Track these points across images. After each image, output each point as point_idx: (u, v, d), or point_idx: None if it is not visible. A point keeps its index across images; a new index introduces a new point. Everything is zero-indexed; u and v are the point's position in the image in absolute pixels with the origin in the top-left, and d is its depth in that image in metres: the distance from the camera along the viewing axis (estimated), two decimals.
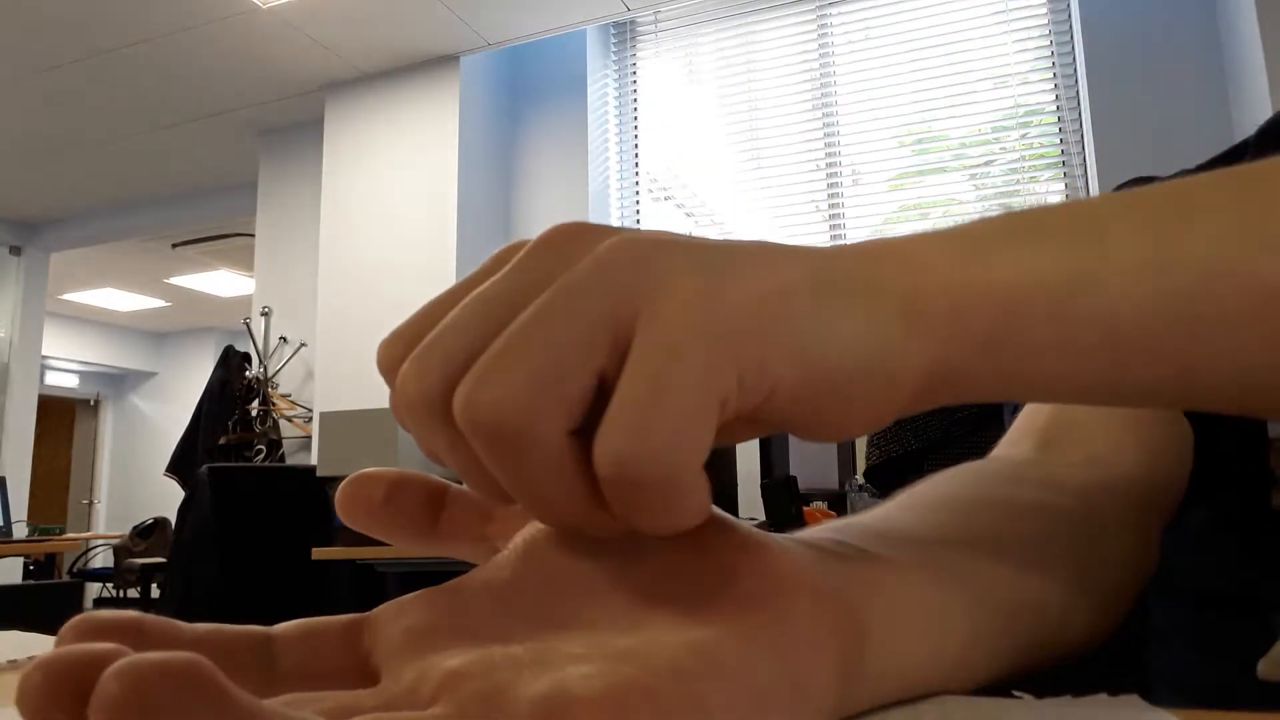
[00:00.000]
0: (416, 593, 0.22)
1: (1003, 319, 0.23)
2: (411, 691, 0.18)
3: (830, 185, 3.47)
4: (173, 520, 2.90)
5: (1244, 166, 0.27)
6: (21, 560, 5.25)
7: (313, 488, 2.63)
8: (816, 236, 3.47)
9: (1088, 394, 0.26)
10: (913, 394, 0.23)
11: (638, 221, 3.75)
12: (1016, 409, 0.48)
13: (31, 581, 5.38)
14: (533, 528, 0.23)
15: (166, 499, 4.95)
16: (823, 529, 0.26)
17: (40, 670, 0.14)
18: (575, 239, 0.21)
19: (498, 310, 0.20)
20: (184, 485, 3.76)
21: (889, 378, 0.22)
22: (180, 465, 4.25)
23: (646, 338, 0.19)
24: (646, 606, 0.20)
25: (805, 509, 1.89)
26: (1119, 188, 0.58)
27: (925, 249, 0.24)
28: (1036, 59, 3.22)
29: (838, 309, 0.22)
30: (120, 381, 8.94)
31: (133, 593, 5.51)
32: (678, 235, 0.22)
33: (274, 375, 4.00)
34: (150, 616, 0.18)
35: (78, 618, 0.17)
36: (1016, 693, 0.24)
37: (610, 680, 0.16)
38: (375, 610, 0.21)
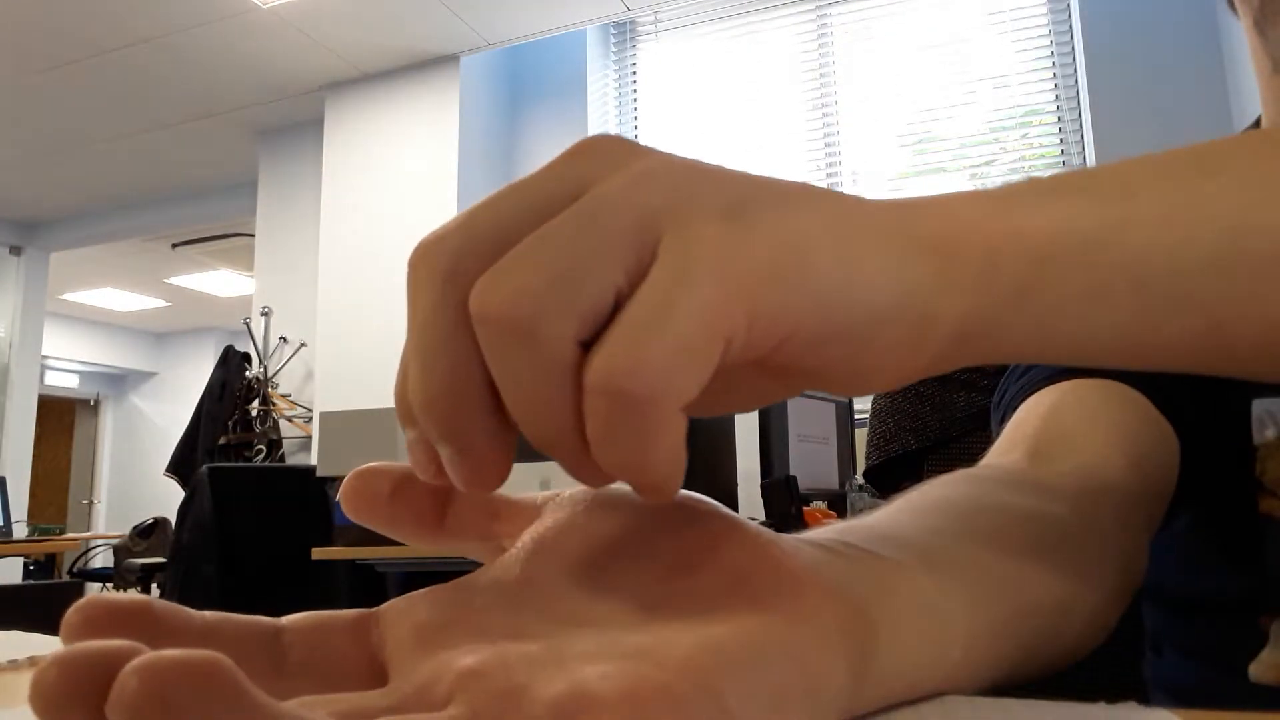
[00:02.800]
0: (425, 589, 0.22)
1: (1035, 267, 0.23)
2: (424, 690, 0.18)
3: (830, 185, 3.47)
4: (173, 520, 2.90)
5: (1258, 130, 0.27)
6: (21, 560, 5.25)
7: (313, 488, 2.63)
8: None
9: (1118, 348, 0.26)
10: (944, 345, 0.23)
11: None
12: (1004, 418, 0.48)
13: (31, 581, 5.38)
14: (541, 525, 0.23)
15: (166, 499, 4.95)
16: (826, 530, 0.26)
17: (56, 667, 0.14)
18: (613, 152, 0.22)
19: (528, 214, 0.20)
20: (184, 485, 3.76)
21: (918, 322, 0.22)
22: (180, 465, 4.25)
23: (664, 262, 0.19)
24: (658, 605, 0.20)
25: (805, 509, 1.89)
26: None
27: (957, 203, 0.24)
28: (1036, 59, 3.22)
29: (864, 250, 0.22)
30: (120, 381, 8.94)
31: (133, 593, 5.51)
32: (714, 165, 0.22)
33: (274, 375, 4.00)
34: (160, 602, 0.18)
35: (85, 600, 0.17)
36: (1016, 697, 0.24)
37: (628, 680, 0.16)
38: (384, 605, 0.21)
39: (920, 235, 0.23)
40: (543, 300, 0.19)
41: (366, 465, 0.24)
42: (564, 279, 0.19)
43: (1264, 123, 0.51)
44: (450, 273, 0.20)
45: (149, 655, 0.13)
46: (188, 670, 0.13)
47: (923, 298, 0.22)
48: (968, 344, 0.24)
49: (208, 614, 0.19)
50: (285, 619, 0.20)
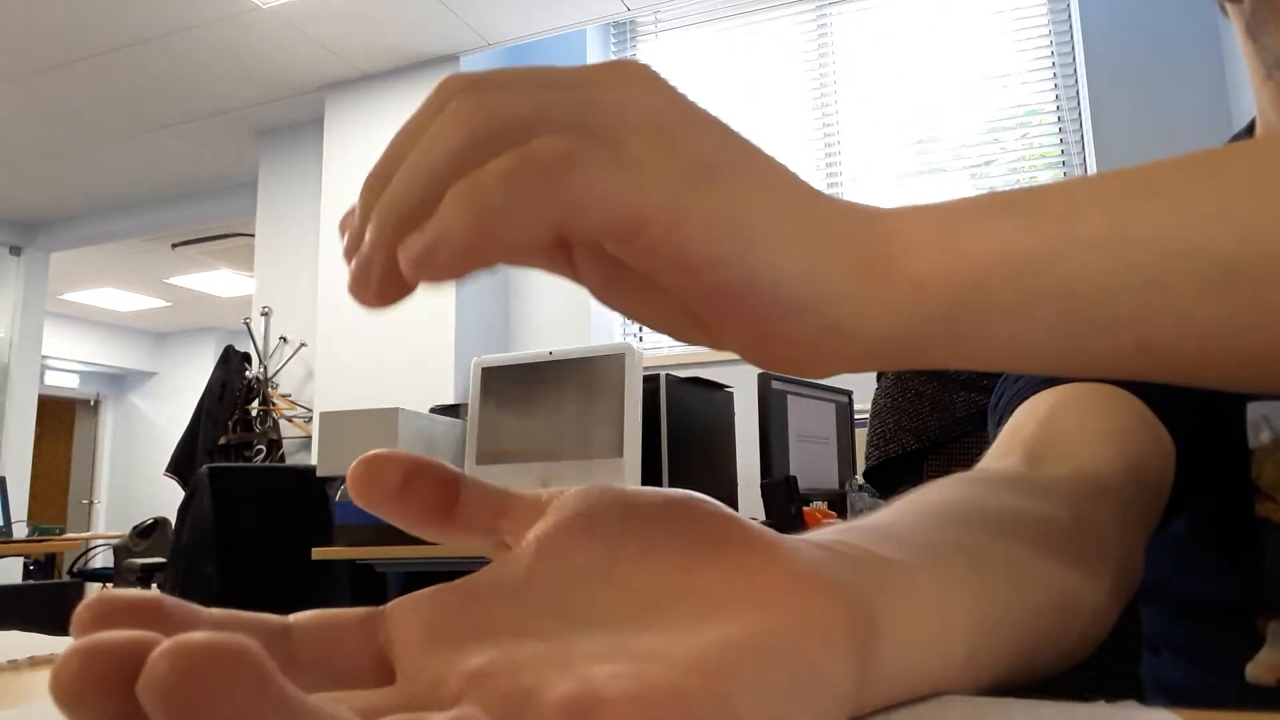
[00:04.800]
0: (432, 588, 0.22)
1: (964, 292, 0.24)
2: (433, 690, 0.18)
3: (830, 185, 3.46)
4: (173, 520, 2.90)
5: (1208, 150, 0.27)
6: (21, 560, 5.25)
7: (313, 488, 2.63)
8: None
9: (1047, 364, 0.27)
10: (860, 353, 0.24)
11: None
12: (1001, 420, 0.48)
13: (31, 581, 5.38)
14: (545, 524, 0.23)
15: (166, 499, 4.95)
16: (827, 531, 0.27)
17: (77, 657, 0.14)
18: (641, 78, 0.24)
19: (555, 108, 0.23)
20: (184, 485, 3.76)
21: (826, 328, 0.23)
22: (180, 465, 4.25)
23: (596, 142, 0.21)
24: (663, 604, 0.21)
25: (805, 509, 1.89)
26: None
27: (904, 220, 0.25)
28: (1036, 59, 3.22)
29: (791, 242, 0.23)
30: (120, 381, 8.94)
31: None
32: (708, 120, 0.24)
33: (274, 375, 4.01)
34: (169, 598, 0.18)
35: (96, 596, 0.17)
36: (1016, 697, 0.24)
37: (638, 680, 0.16)
38: (391, 604, 0.21)
39: (853, 251, 0.24)
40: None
41: (377, 452, 0.24)
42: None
43: (1259, 126, 0.51)
44: (482, 128, 0.22)
45: (180, 637, 0.13)
46: (219, 654, 0.13)
47: (834, 310, 0.23)
48: (898, 356, 0.25)
49: (215, 610, 0.19)
50: (293, 616, 0.20)
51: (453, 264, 0.21)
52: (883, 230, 0.25)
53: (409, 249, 0.21)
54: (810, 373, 0.25)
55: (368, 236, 0.22)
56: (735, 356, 0.26)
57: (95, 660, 0.14)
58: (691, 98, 0.24)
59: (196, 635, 0.13)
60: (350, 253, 0.23)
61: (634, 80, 0.23)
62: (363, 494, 0.24)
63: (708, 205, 0.22)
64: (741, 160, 0.23)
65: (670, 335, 0.26)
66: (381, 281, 0.22)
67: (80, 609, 0.17)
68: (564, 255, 0.25)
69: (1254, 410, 0.46)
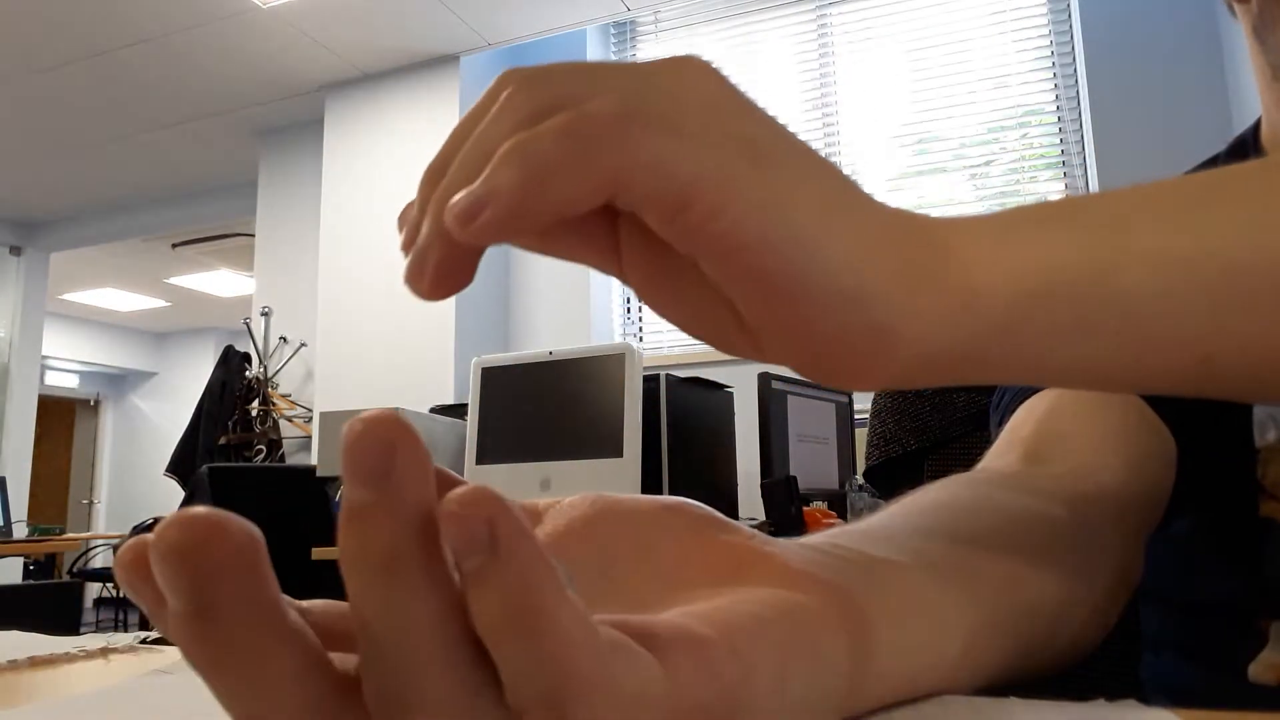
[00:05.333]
0: None
1: (1022, 303, 0.23)
2: None
3: None
4: None
5: (1260, 160, 0.27)
6: (21, 560, 5.25)
7: (313, 488, 2.63)
8: None
9: (1106, 379, 0.26)
10: (912, 365, 0.23)
11: None
12: (1003, 420, 0.48)
13: (31, 581, 5.38)
14: (541, 532, 0.23)
15: (166, 499, 4.96)
16: (821, 535, 0.27)
17: (131, 547, 0.15)
18: (701, 72, 0.23)
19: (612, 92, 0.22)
20: (184, 485, 3.76)
21: (873, 331, 0.23)
22: (180, 465, 4.25)
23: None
24: (659, 601, 0.21)
25: (805, 509, 1.89)
26: None
27: (952, 231, 0.24)
28: (1036, 59, 3.22)
29: (841, 234, 0.22)
30: (120, 381, 8.94)
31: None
32: (761, 114, 0.24)
33: (274, 375, 4.00)
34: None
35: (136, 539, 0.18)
36: (1015, 697, 0.24)
37: (645, 622, 0.17)
38: None
39: (905, 253, 0.23)
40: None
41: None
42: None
43: (1264, 127, 0.51)
44: (536, 110, 0.21)
45: (188, 510, 0.14)
46: (220, 524, 0.14)
47: (882, 309, 0.22)
48: (953, 369, 0.24)
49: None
50: (309, 603, 0.20)
51: (501, 222, 0.20)
52: (935, 238, 0.24)
53: (455, 206, 0.20)
54: (859, 382, 0.24)
55: (424, 225, 0.22)
56: (736, 356, 0.25)
57: (140, 547, 0.15)
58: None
59: (201, 509, 0.14)
60: (408, 245, 0.23)
61: (689, 68, 0.23)
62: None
63: (760, 185, 0.21)
64: (793, 149, 0.23)
65: (711, 341, 0.25)
66: (437, 269, 0.22)
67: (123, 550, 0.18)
68: (610, 248, 0.25)
69: (1260, 410, 0.46)
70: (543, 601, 0.14)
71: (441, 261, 0.22)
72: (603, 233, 0.24)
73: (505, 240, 0.21)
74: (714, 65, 0.23)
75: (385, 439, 0.14)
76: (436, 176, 0.23)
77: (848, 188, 0.23)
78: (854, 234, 0.22)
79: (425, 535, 0.15)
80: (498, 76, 0.23)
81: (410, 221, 0.23)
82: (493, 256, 3.67)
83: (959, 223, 0.25)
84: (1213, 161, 0.53)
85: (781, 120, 0.24)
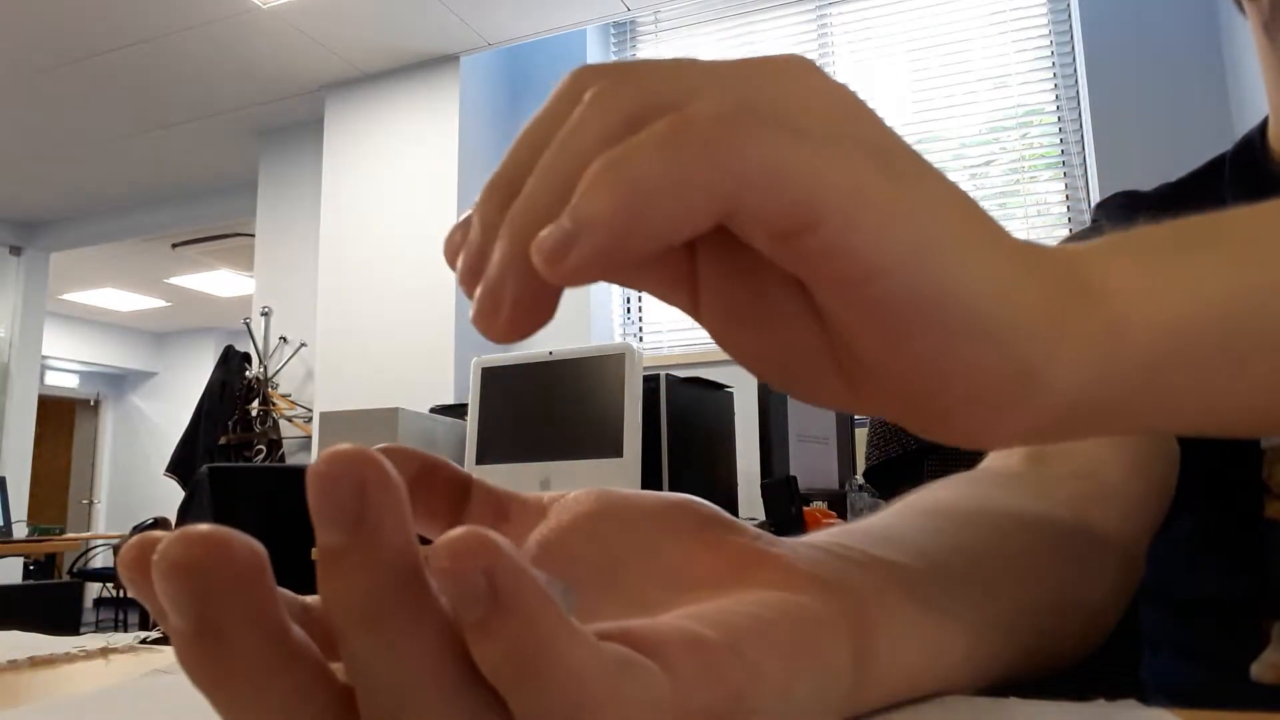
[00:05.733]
0: None
1: (1170, 339, 0.21)
2: None
3: None
4: (173, 520, 2.90)
5: None
6: (21, 560, 5.25)
7: None
8: None
9: (1250, 423, 0.23)
10: (1057, 414, 0.21)
11: None
12: None
13: (31, 581, 5.38)
14: (545, 528, 0.23)
15: (166, 499, 4.95)
16: (825, 534, 0.27)
17: (134, 545, 0.15)
18: (806, 71, 0.20)
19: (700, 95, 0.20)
20: (184, 485, 3.76)
21: (1023, 371, 0.19)
22: (180, 465, 4.25)
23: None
24: (663, 600, 0.21)
25: (805, 509, 1.89)
26: (1099, 206, 0.58)
27: (1087, 258, 0.22)
28: (1036, 59, 3.22)
29: (982, 252, 0.19)
30: (120, 381, 8.94)
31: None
32: (879, 119, 0.21)
33: (274, 375, 4.00)
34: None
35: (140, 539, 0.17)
36: (1015, 697, 0.24)
37: (650, 625, 0.17)
38: None
39: (1044, 285, 0.20)
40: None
41: (391, 445, 0.23)
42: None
43: (1273, 125, 0.51)
44: (629, 117, 0.18)
45: (191, 528, 0.14)
46: (221, 542, 0.14)
47: (1026, 346, 0.19)
48: (1088, 419, 0.21)
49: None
50: (313, 598, 0.20)
51: (596, 258, 0.17)
52: (1075, 267, 0.21)
53: (543, 246, 0.17)
54: (984, 437, 0.21)
55: (497, 254, 0.18)
56: (829, 407, 0.23)
57: (144, 545, 0.15)
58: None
59: (204, 527, 0.14)
60: (471, 277, 0.19)
61: (796, 65, 0.20)
62: None
63: (894, 197, 0.18)
64: (923, 162, 0.20)
65: (801, 391, 0.22)
66: (516, 307, 0.18)
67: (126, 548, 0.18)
68: (684, 279, 0.21)
69: None
70: (551, 642, 0.13)
71: (521, 299, 0.18)
72: (676, 260, 0.21)
73: (602, 279, 0.18)
74: (818, 66, 0.21)
75: (355, 479, 0.13)
76: (503, 195, 0.19)
77: (981, 211, 0.20)
78: (998, 260, 0.19)
79: (407, 577, 0.14)
80: (571, 73, 0.20)
81: (471, 247, 0.19)
82: None
83: (1093, 249, 0.22)
84: (1220, 162, 0.53)
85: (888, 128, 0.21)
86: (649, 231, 0.17)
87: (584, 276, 0.17)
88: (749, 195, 0.17)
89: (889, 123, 0.21)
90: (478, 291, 0.19)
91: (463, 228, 0.20)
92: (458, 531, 0.13)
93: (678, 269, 0.21)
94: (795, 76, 0.20)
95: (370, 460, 0.14)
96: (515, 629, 0.13)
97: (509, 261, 0.18)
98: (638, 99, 0.18)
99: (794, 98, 0.19)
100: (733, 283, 0.21)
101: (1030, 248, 0.21)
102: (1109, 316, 0.21)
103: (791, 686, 0.19)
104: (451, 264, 0.20)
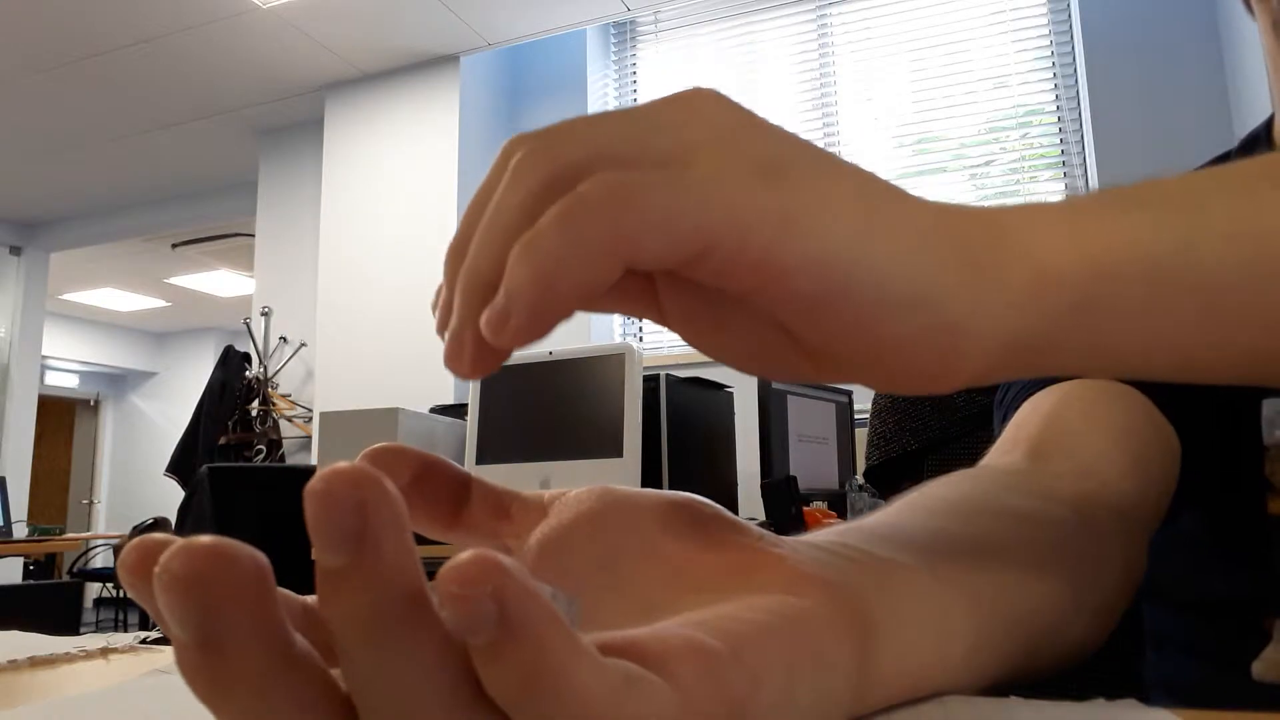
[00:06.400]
0: None
1: (1095, 283, 0.23)
2: None
3: None
4: (173, 520, 2.90)
5: None
6: (21, 560, 5.25)
7: None
8: None
9: (1178, 363, 0.25)
10: (991, 359, 0.23)
11: None
12: (1007, 416, 0.48)
13: (31, 581, 5.38)
14: (547, 526, 0.23)
15: (166, 499, 4.95)
16: (827, 532, 0.26)
17: (134, 549, 0.15)
18: (706, 105, 0.23)
19: (622, 143, 0.22)
20: (184, 485, 3.76)
21: (941, 328, 0.22)
22: (180, 465, 4.25)
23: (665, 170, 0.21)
24: (665, 601, 0.21)
25: (805, 509, 1.89)
26: None
27: (1005, 216, 0.24)
28: (1036, 59, 3.22)
29: (885, 232, 0.21)
30: (120, 381, 8.94)
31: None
32: (770, 124, 0.23)
33: (274, 375, 4.00)
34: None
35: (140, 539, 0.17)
36: (1016, 697, 0.24)
37: (653, 634, 0.17)
38: None
39: (957, 244, 0.22)
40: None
41: (387, 444, 0.23)
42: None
43: (1278, 124, 0.51)
44: (555, 174, 0.21)
45: (193, 539, 0.14)
46: (224, 554, 0.13)
47: (943, 306, 0.21)
48: (1018, 359, 0.23)
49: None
50: (312, 599, 0.20)
51: (529, 326, 0.20)
52: (991, 225, 0.23)
53: (487, 321, 0.20)
54: (938, 385, 0.23)
55: (455, 310, 0.22)
56: (804, 383, 0.25)
57: (144, 549, 0.15)
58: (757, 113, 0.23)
59: (207, 539, 0.14)
60: (442, 327, 0.23)
61: (693, 100, 0.22)
62: None
63: (783, 203, 0.20)
64: (813, 158, 0.22)
65: (775, 374, 0.25)
66: (475, 353, 0.21)
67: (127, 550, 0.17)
68: (648, 295, 0.24)
69: (1269, 407, 0.46)
70: (560, 664, 0.14)
71: (477, 343, 0.21)
72: (637, 283, 0.24)
73: (542, 336, 0.20)
74: (720, 93, 0.23)
75: (354, 499, 0.13)
76: (459, 255, 0.22)
77: (883, 188, 0.22)
78: (896, 232, 0.22)
79: (409, 596, 0.14)
80: (505, 143, 0.23)
81: (442, 304, 0.23)
82: None
83: (1018, 210, 0.24)
84: (1225, 158, 0.53)
85: (792, 131, 0.23)
86: (567, 293, 0.19)
87: (524, 338, 0.20)
88: (642, 245, 0.20)
89: (783, 129, 0.23)
90: (445, 339, 0.22)
91: (441, 288, 0.24)
92: (465, 556, 0.13)
93: (640, 289, 0.24)
94: (689, 111, 0.22)
95: (370, 480, 0.14)
96: (524, 654, 0.13)
97: (463, 316, 0.21)
98: (548, 169, 0.21)
99: (684, 134, 0.21)
100: (689, 296, 0.23)
101: (942, 213, 0.23)
102: (1033, 263, 0.23)
103: (794, 693, 0.19)
104: (433, 314, 0.24)
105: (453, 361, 0.22)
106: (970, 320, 0.22)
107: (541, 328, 0.20)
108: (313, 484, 0.14)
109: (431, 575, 0.14)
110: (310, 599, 0.20)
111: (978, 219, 0.23)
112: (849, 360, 0.23)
